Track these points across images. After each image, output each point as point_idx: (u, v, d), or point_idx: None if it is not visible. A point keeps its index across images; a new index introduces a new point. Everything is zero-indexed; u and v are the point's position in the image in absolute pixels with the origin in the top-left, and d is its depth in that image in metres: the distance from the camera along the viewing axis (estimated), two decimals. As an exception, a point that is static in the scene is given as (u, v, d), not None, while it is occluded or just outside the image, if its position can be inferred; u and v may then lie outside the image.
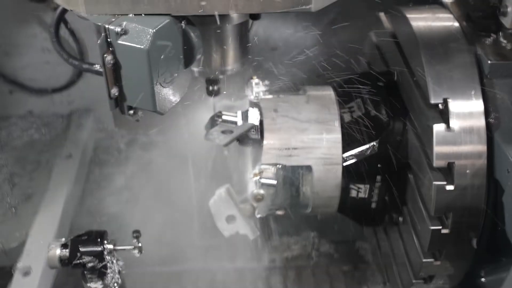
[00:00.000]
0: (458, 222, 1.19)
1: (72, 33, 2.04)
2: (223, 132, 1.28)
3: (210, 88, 1.26)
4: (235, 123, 1.28)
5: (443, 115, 1.17)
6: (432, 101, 1.18)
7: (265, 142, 1.29)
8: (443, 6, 1.36)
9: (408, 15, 1.32)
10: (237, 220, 1.35)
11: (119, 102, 1.00)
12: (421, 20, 1.30)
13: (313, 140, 1.31)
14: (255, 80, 1.37)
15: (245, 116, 1.29)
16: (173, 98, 1.02)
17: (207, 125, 1.31)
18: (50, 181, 1.90)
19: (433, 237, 1.21)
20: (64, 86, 2.21)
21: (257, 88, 1.35)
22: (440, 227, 1.21)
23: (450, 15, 1.32)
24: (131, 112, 1.02)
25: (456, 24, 1.29)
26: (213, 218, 1.38)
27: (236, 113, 1.30)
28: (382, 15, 1.54)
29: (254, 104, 1.34)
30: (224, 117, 1.28)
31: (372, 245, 1.77)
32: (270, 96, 1.37)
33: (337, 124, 1.32)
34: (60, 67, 2.17)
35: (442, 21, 1.31)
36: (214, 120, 1.29)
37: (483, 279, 1.26)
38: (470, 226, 1.20)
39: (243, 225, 1.35)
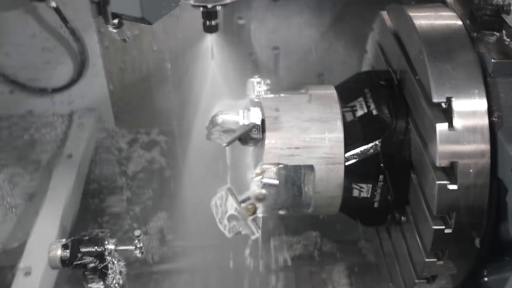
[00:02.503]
0: (461, 221, 1.18)
1: (72, 32, 2.04)
2: (225, 131, 1.27)
3: (208, 23, 1.21)
4: (237, 122, 1.28)
5: (446, 114, 1.16)
6: (435, 100, 1.17)
7: (267, 141, 1.29)
8: (446, 5, 1.36)
9: (411, 14, 1.31)
10: (238, 220, 1.34)
11: (102, 7, 0.92)
12: (424, 19, 1.29)
13: (315, 140, 1.30)
14: (257, 79, 1.36)
15: (246, 115, 1.28)
16: (163, 7, 0.95)
17: (208, 125, 1.30)
18: (51, 181, 1.90)
19: (436, 236, 1.21)
20: (65, 86, 2.20)
21: (259, 87, 1.34)
22: (443, 227, 1.20)
23: (453, 14, 1.31)
24: (115, 21, 0.94)
25: (459, 22, 1.28)
26: (215, 218, 1.37)
27: (237, 112, 1.29)
28: (384, 13, 1.53)
29: (256, 103, 1.33)
30: (225, 116, 1.28)
31: (375, 245, 1.76)
32: (271, 95, 1.36)
33: (339, 124, 1.31)
34: (61, 67, 2.17)
35: (445, 19, 1.30)
36: (216, 120, 1.28)
37: (486, 279, 1.25)
38: (473, 225, 1.19)
39: (244, 225, 1.34)
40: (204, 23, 1.22)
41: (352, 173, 1.32)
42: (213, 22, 1.21)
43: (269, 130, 1.30)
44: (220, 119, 1.26)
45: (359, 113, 1.38)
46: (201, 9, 1.20)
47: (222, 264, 1.84)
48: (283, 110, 1.33)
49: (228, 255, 1.79)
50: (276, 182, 1.27)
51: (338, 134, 1.31)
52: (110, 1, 0.91)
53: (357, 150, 1.33)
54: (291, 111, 1.33)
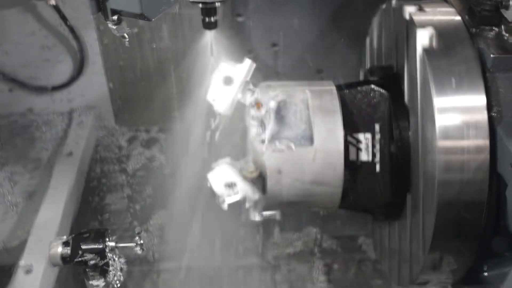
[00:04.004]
0: (461, 217, 1.19)
1: (72, 30, 2.04)
2: (225, 83, 1.23)
3: (207, 19, 1.20)
4: (235, 66, 1.23)
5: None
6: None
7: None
8: (445, 0, 1.36)
9: (409, 9, 1.31)
10: (237, 185, 1.28)
11: (101, 4, 0.93)
12: (423, 14, 1.29)
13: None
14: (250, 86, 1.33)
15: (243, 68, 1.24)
16: (162, 3, 0.95)
17: (209, 86, 1.27)
18: (51, 179, 1.90)
19: (435, 232, 1.21)
20: (64, 84, 2.20)
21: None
22: (443, 223, 1.20)
23: (452, 9, 1.31)
24: (115, 18, 0.95)
25: (458, 18, 1.28)
26: (212, 188, 1.31)
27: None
28: (383, 9, 1.53)
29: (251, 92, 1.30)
30: (224, 63, 1.24)
31: (375, 241, 1.77)
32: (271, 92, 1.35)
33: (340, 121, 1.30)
34: (60, 65, 2.17)
35: (444, 15, 1.30)
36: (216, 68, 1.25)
37: (485, 274, 1.26)
38: (473, 220, 1.19)
39: (244, 187, 1.28)
40: (203, 20, 1.21)
41: (348, 125, 1.29)
42: (212, 19, 1.19)
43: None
44: (220, 65, 1.23)
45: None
46: (200, 5, 1.20)
47: (220, 262, 1.85)
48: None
49: (227, 252, 1.80)
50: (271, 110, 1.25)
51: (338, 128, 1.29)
52: None
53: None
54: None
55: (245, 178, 1.27)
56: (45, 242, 1.50)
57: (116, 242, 1.29)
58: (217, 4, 1.18)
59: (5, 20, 2.06)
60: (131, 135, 2.29)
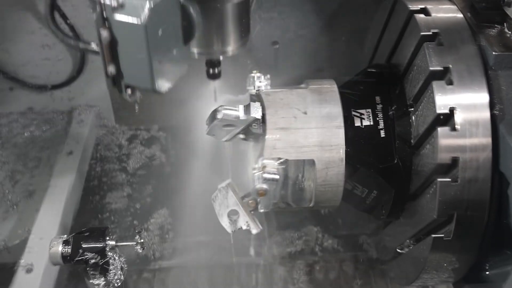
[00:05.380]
0: (463, 215, 1.18)
1: (72, 28, 2.04)
2: (225, 126, 1.26)
3: (211, 71, 1.22)
4: (237, 117, 1.27)
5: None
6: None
7: (267, 136, 1.28)
8: (447, -3, 1.35)
9: (411, 7, 1.31)
10: (239, 215, 1.33)
11: (116, 80, 0.98)
12: (424, 12, 1.29)
13: (316, 133, 1.29)
14: (257, 74, 1.36)
15: (247, 110, 1.27)
16: (173, 77, 0.99)
17: (208, 120, 1.29)
18: (51, 178, 1.90)
19: (437, 233, 1.20)
20: (64, 83, 2.20)
21: (259, 82, 1.34)
22: (445, 226, 1.19)
23: (454, 6, 1.31)
24: (129, 91, 0.99)
25: (460, 15, 1.28)
26: (216, 214, 1.37)
27: (238, 107, 1.28)
28: (385, 6, 1.52)
29: (256, 98, 1.33)
30: (226, 111, 1.27)
31: (376, 240, 1.76)
32: (272, 90, 1.35)
33: (340, 119, 1.31)
34: (60, 63, 2.16)
35: (446, 12, 1.29)
36: (216, 115, 1.27)
37: (488, 272, 1.25)
38: (475, 219, 1.19)
39: (245, 220, 1.34)
40: (207, 71, 1.24)
41: (348, 103, 1.30)
42: (216, 70, 1.23)
43: (270, 124, 1.29)
44: (220, 114, 1.25)
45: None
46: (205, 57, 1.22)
47: (219, 260, 1.85)
48: (284, 104, 1.32)
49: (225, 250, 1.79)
50: (277, 177, 1.27)
51: (339, 124, 1.29)
52: (124, 76, 0.97)
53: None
54: (292, 105, 1.32)
55: (247, 207, 1.30)
56: (46, 241, 1.50)
57: (117, 241, 1.29)
58: (221, 57, 1.21)
59: (5, 18, 2.05)
60: (131, 133, 2.29)
